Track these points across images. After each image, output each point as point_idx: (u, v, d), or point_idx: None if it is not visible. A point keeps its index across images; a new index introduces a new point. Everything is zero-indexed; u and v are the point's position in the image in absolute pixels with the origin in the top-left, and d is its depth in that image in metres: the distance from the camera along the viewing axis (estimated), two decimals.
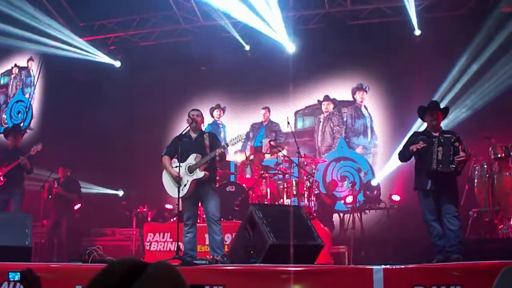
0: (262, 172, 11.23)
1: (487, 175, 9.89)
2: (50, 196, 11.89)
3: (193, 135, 8.50)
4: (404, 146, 8.18)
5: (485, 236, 9.49)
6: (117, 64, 14.92)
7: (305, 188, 11.15)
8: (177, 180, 8.10)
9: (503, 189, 9.65)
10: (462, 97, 11.79)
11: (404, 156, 8.14)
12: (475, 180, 10.22)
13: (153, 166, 12.32)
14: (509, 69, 11.72)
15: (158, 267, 2.12)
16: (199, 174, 8.15)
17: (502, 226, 9.24)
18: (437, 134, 7.89)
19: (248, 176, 11.72)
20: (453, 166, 7.60)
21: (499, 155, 9.77)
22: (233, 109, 14.52)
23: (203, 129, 8.97)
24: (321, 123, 13.77)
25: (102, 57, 14.70)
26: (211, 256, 7.97)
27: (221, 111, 14.37)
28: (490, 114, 11.58)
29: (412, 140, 8.08)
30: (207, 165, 8.20)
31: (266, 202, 10.82)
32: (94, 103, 14.46)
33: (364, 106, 13.54)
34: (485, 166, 9.97)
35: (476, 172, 10.21)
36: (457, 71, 12.03)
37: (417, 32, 12.73)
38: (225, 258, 7.75)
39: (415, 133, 8.32)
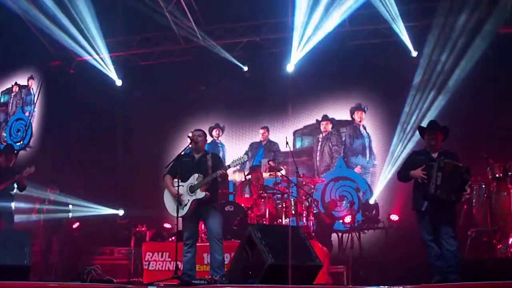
0: (261, 191, 11.22)
1: (485, 195, 9.87)
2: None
3: (196, 155, 8.50)
4: (403, 167, 8.17)
5: (483, 256, 9.45)
6: (119, 82, 14.90)
7: (303, 208, 11.13)
8: (177, 199, 8.09)
9: (501, 209, 9.63)
10: (460, 116, 11.77)
11: (403, 178, 8.14)
12: (473, 200, 10.19)
13: (151, 185, 12.35)
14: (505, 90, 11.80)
15: None
16: (200, 194, 8.13)
17: (500, 246, 9.21)
18: (436, 154, 7.89)
19: (246, 195, 11.72)
20: (454, 197, 7.61)
21: (497, 175, 9.77)
22: (232, 129, 14.54)
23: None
24: (319, 143, 13.78)
25: (111, 71, 14.73)
26: (210, 276, 7.94)
27: (220, 131, 14.37)
28: (487, 134, 11.62)
29: (411, 161, 8.07)
30: (208, 185, 8.19)
31: (264, 222, 10.80)
32: (94, 122, 14.49)
33: (363, 126, 13.56)
34: (483, 186, 9.96)
35: (474, 192, 10.18)
36: (453, 91, 12.08)
37: (414, 53, 12.80)
38: (224, 279, 7.73)
39: (414, 152, 8.28)
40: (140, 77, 14.82)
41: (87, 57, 14.37)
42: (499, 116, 11.77)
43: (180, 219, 8.18)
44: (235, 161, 8.28)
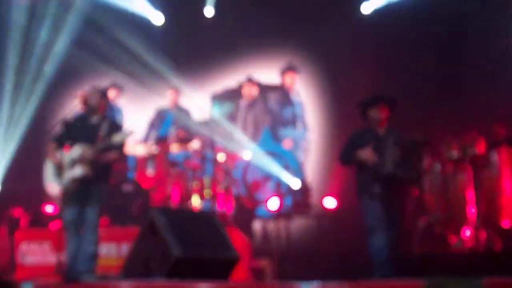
0: (168, 168, 11.10)
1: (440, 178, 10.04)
2: None
3: (89, 122, 8.32)
4: (347, 149, 8.17)
5: (435, 250, 9.64)
6: None
7: (220, 189, 11.12)
8: (58, 173, 7.96)
9: (458, 194, 9.79)
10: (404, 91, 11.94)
11: (349, 162, 8.18)
12: (426, 184, 10.34)
13: (28, 155, 12.04)
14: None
15: None
16: (78, 170, 7.94)
17: (456, 240, 9.39)
18: (383, 130, 7.99)
19: (150, 173, 11.58)
20: (416, 175, 7.89)
21: (455, 155, 9.91)
22: (134, 90, 14.16)
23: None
24: (242, 111, 13.68)
25: None
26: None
27: (118, 91, 13.90)
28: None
29: (356, 140, 8.11)
30: (94, 160, 8.00)
31: (171, 206, 10.78)
32: None
33: (295, 91, 13.55)
34: (439, 166, 10.12)
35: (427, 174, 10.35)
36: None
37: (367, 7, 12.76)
38: (95, 277, 7.79)
39: (356, 132, 8.33)
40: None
41: None
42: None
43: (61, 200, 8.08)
44: (116, 136, 8.04)
